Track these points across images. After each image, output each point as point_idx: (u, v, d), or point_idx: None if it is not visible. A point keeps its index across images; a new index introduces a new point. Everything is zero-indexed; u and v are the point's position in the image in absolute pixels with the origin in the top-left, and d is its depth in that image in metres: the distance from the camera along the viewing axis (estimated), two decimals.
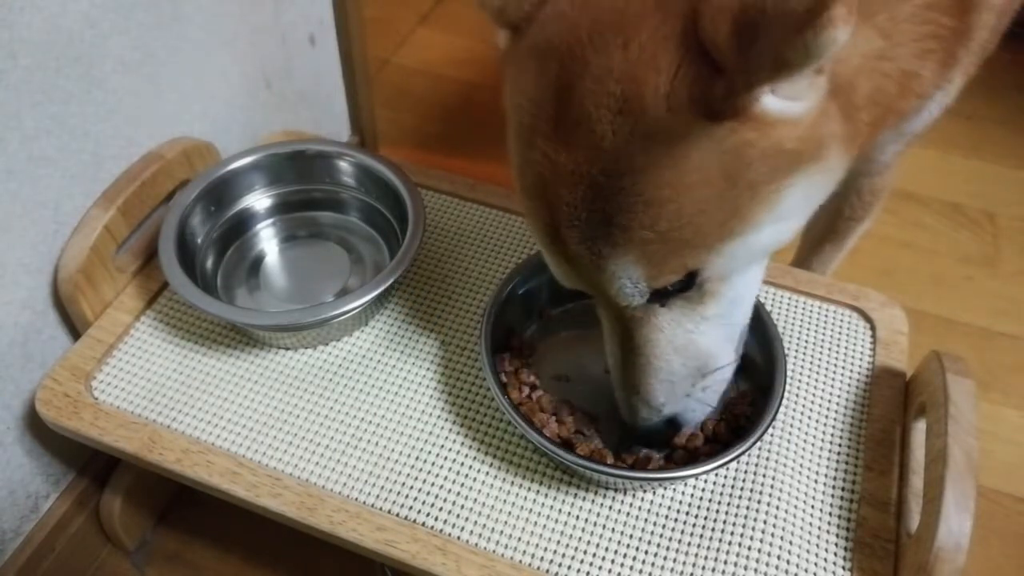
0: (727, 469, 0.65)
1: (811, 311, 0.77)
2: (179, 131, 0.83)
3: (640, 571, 0.60)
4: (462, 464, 0.65)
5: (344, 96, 1.17)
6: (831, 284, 0.79)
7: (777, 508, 0.62)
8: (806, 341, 0.75)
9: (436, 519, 0.62)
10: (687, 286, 0.50)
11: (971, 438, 0.58)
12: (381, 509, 0.62)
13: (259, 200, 0.83)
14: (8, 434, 0.72)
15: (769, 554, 0.60)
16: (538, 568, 0.60)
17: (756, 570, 0.59)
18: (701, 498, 0.64)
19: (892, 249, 1.23)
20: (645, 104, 0.42)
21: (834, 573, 0.60)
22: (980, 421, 0.60)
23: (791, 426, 0.68)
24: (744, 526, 0.61)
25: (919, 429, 0.67)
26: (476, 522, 0.62)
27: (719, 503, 0.63)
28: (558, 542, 0.61)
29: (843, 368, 0.73)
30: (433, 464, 0.65)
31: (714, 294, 0.52)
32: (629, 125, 0.43)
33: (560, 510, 0.63)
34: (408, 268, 0.72)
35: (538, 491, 0.64)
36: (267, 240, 0.84)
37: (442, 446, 0.66)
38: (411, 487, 0.64)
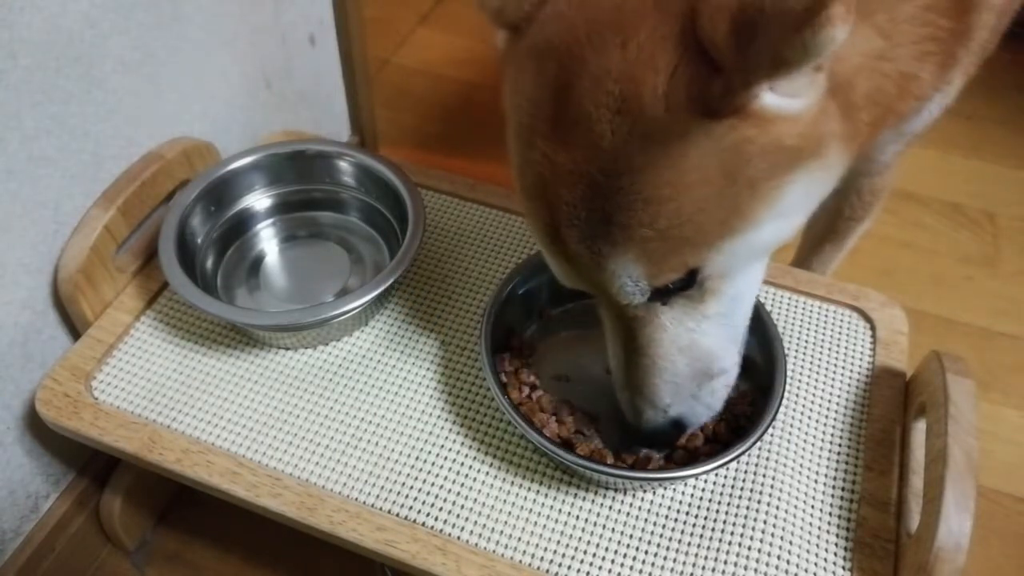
0: (727, 469, 0.65)
1: (811, 311, 0.77)
2: (179, 131, 0.83)
3: (640, 571, 0.60)
4: (462, 464, 0.65)
5: (344, 96, 1.17)
6: (831, 284, 0.79)
7: (777, 508, 0.62)
8: (806, 341, 0.75)
9: (436, 519, 0.62)
10: (688, 284, 0.50)
11: (971, 438, 0.58)
12: (381, 509, 0.63)
13: (259, 200, 0.83)
14: (8, 434, 0.72)
15: (769, 554, 0.60)
16: (538, 568, 0.60)
17: (756, 570, 0.59)
18: (701, 498, 0.64)
19: (892, 249, 1.23)
20: (643, 103, 0.43)
21: (834, 573, 0.60)
22: (980, 421, 0.60)
23: (791, 426, 0.68)
24: (744, 526, 0.61)
25: (919, 429, 0.67)
26: (476, 522, 0.62)
27: (719, 503, 0.63)
28: (558, 542, 0.61)
29: (843, 368, 0.73)
30: (433, 464, 0.65)
31: (715, 292, 0.52)
32: (627, 124, 0.43)
33: (560, 510, 0.63)
34: (408, 268, 0.72)
35: (538, 491, 0.64)
36: (267, 240, 0.84)
37: (442, 446, 0.66)
38: (411, 487, 0.64)
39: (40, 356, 0.73)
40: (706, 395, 0.57)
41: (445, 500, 0.63)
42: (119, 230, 0.74)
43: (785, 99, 0.43)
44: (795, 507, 0.63)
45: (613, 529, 0.62)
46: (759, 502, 0.63)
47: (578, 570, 0.60)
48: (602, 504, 0.63)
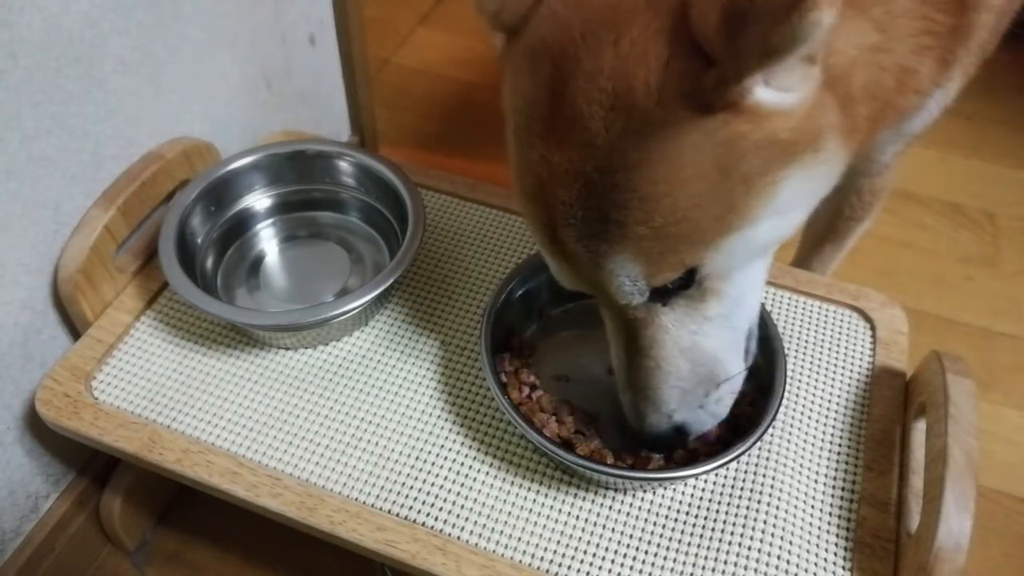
0: (727, 469, 0.65)
1: (811, 311, 0.77)
2: (179, 131, 0.83)
3: (640, 571, 0.60)
4: (462, 464, 0.65)
5: (344, 96, 1.17)
6: (831, 284, 0.79)
7: (777, 508, 0.62)
8: (806, 341, 0.75)
9: (436, 519, 0.62)
10: (687, 284, 0.50)
11: (971, 438, 0.58)
12: (381, 509, 0.63)
13: (259, 200, 0.83)
14: (8, 434, 0.72)
15: (769, 554, 0.60)
16: (538, 568, 0.60)
17: (756, 570, 0.59)
18: (701, 498, 0.64)
19: (892, 249, 1.23)
20: (636, 98, 0.43)
21: (834, 573, 0.60)
22: (980, 421, 0.60)
23: (791, 426, 0.68)
24: (744, 526, 0.61)
25: (919, 429, 0.67)
26: (476, 522, 0.62)
27: (719, 503, 0.63)
28: (558, 542, 0.61)
29: (843, 368, 0.73)
30: (433, 464, 0.65)
31: (716, 293, 0.52)
32: (621, 120, 0.43)
33: (560, 510, 0.63)
34: (408, 268, 0.72)
35: (538, 491, 0.64)
36: (267, 240, 0.84)
37: (442, 446, 0.66)
38: (411, 487, 0.64)
39: (40, 356, 0.73)
40: (711, 403, 0.57)
41: (445, 500, 0.63)
42: (119, 230, 0.74)
43: (779, 93, 0.43)
44: (795, 507, 0.63)
45: (613, 529, 0.62)
46: (759, 502, 0.63)
47: (578, 570, 0.60)
48: (602, 504, 0.63)
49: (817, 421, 0.69)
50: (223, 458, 0.65)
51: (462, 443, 0.67)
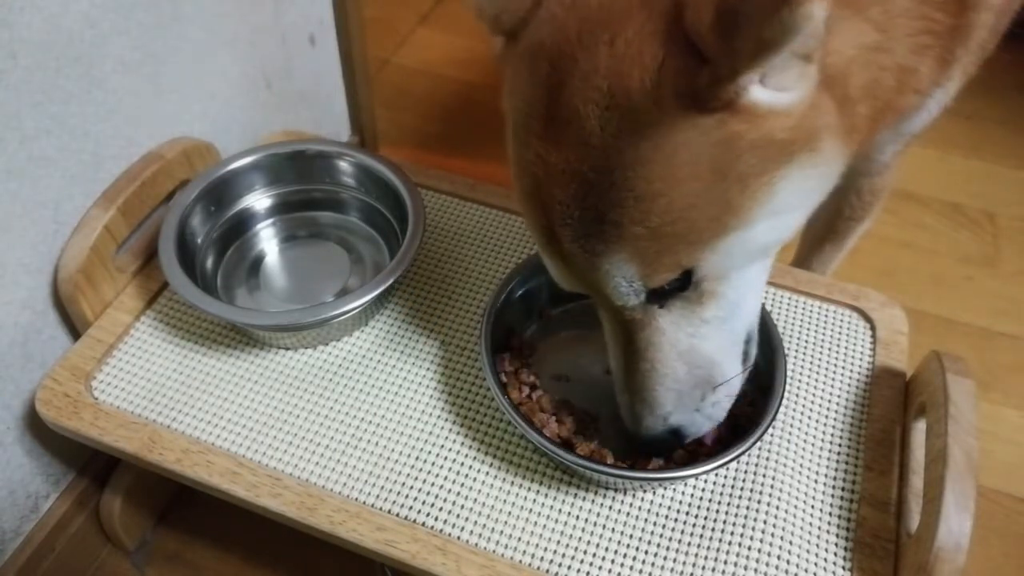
0: (727, 469, 0.65)
1: (811, 311, 0.77)
2: (179, 131, 0.83)
3: (640, 571, 0.60)
4: (462, 464, 0.65)
5: (344, 96, 1.17)
6: (831, 284, 0.79)
7: (777, 508, 0.62)
8: (806, 341, 0.75)
9: (436, 519, 0.62)
10: (684, 286, 0.50)
11: (971, 438, 0.58)
12: (381, 509, 0.63)
13: (259, 200, 0.83)
14: (8, 434, 0.72)
15: (769, 554, 0.60)
16: (538, 568, 0.60)
17: (756, 570, 0.59)
18: (701, 498, 0.64)
19: (892, 249, 1.23)
20: (631, 97, 0.43)
21: (834, 573, 0.60)
22: (980, 421, 0.60)
23: (791, 426, 0.68)
24: (744, 526, 0.61)
25: (919, 429, 0.67)
26: (476, 522, 0.62)
27: (719, 503, 0.63)
28: (558, 542, 0.61)
29: (843, 368, 0.73)
30: (433, 464, 0.65)
31: (713, 294, 0.51)
32: (616, 120, 0.43)
33: (560, 510, 0.63)
34: (408, 268, 0.72)
35: (538, 491, 0.64)
36: (267, 240, 0.84)
37: (442, 446, 0.66)
38: (411, 487, 0.64)
39: (40, 356, 0.73)
40: (708, 406, 0.57)
41: (445, 500, 0.63)
42: (119, 230, 0.74)
43: (775, 93, 0.43)
44: (795, 507, 0.63)
45: (613, 529, 0.62)
46: (759, 502, 0.63)
47: (578, 570, 0.60)
48: (602, 504, 0.63)
49: (817, 421, 0.69)
50: (223, 458, 0.65)
51: (462, 443, 0.67)
